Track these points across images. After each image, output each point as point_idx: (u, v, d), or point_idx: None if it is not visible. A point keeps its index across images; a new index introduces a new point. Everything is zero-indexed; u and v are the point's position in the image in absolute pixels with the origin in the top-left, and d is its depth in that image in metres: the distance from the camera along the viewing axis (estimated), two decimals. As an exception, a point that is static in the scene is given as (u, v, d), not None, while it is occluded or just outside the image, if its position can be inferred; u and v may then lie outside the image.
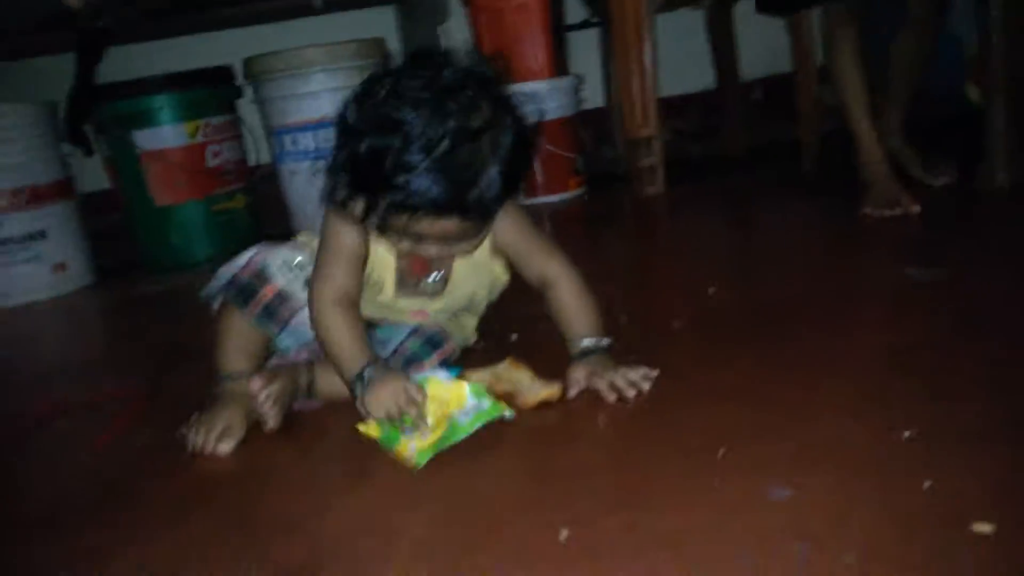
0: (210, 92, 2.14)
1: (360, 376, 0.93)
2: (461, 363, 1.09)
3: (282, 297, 1.06)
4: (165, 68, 2.10)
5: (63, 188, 2.12)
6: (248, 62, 2.14)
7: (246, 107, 2.27)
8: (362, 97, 0.90)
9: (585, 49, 2.60)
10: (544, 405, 0.96)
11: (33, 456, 1.08)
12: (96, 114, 2.08)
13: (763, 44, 2.84)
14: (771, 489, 0.71)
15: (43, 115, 2.05)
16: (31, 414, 1.20)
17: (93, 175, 2.34)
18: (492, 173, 0.88)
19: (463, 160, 0.86)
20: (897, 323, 1.11)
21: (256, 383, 0.99)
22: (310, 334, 1.07)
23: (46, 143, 2.07)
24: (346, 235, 0.99)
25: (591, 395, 0.96)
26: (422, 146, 0.84)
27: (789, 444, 0.79)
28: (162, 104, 2.06)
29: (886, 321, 1.13)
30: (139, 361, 1.45)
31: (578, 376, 0.98)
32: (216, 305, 1.10)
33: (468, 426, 0.90)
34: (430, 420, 0.90)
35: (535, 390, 0.97)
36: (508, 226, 1.04)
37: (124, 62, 2.20)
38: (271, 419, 0.99)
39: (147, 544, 0.79)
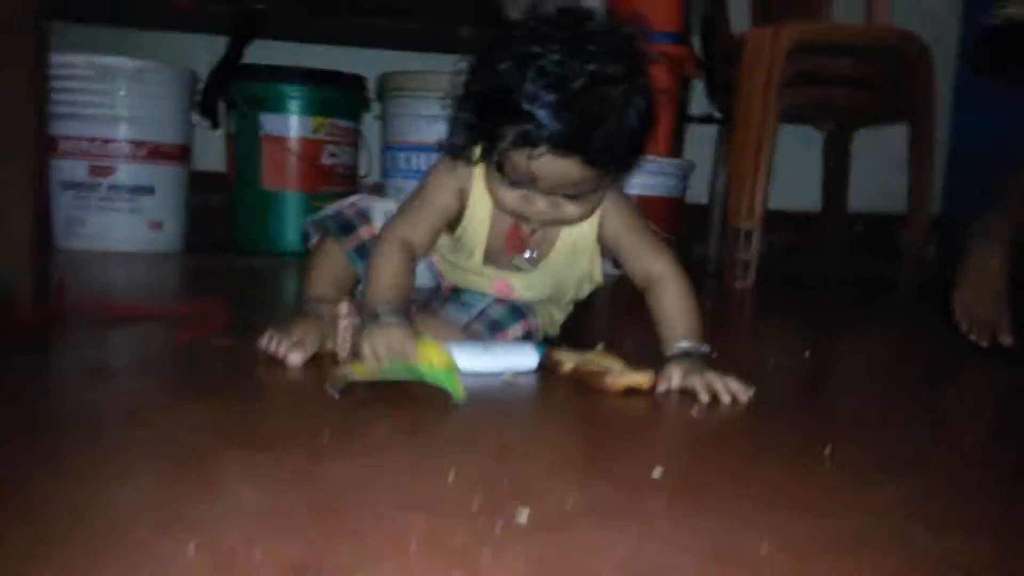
0: (342, 94, 2.22)
1: (378, 314, 0.89)
2: (546, 344, 1.06)
3: None
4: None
5: (180, 153, 2.20)
6: (385, 76, 2.23)
7: (369, 123, 2.35)
8: (502, 36, 0.91)
9: (699, 144, 2.64)
10: (632, 392, 0.92)
11: (112, 340, 1.08)
12: (232, 91, 2.17)
13: (875, 180, 2.85)
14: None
15: (182, 80, 2.16)
16: (109, 312, 1.20)
17: (206, 156, 2.42)
18: (621, 122, 0.87)
19: (595, 101, 0.85)
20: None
21: (344, 308, 0.98)
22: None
23: (178, 107, 2.16)
24: (443, 192, 1.00)
25: (684, 396, 0.92)
26: (556, 79, 0.84)
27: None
28: (295, 94, 2.15)
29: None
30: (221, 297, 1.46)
31: (673, 373, 0.95)
32: (314, 240, 1.11)
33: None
34: None
35: (626, 374, 0.94)
36: (618, 217, 1.03)
37: (268, 55, 2.31)
38: (345, 349, 0.97)
39: (208, 403, 0.78)
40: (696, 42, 2.50)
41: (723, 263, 2.29)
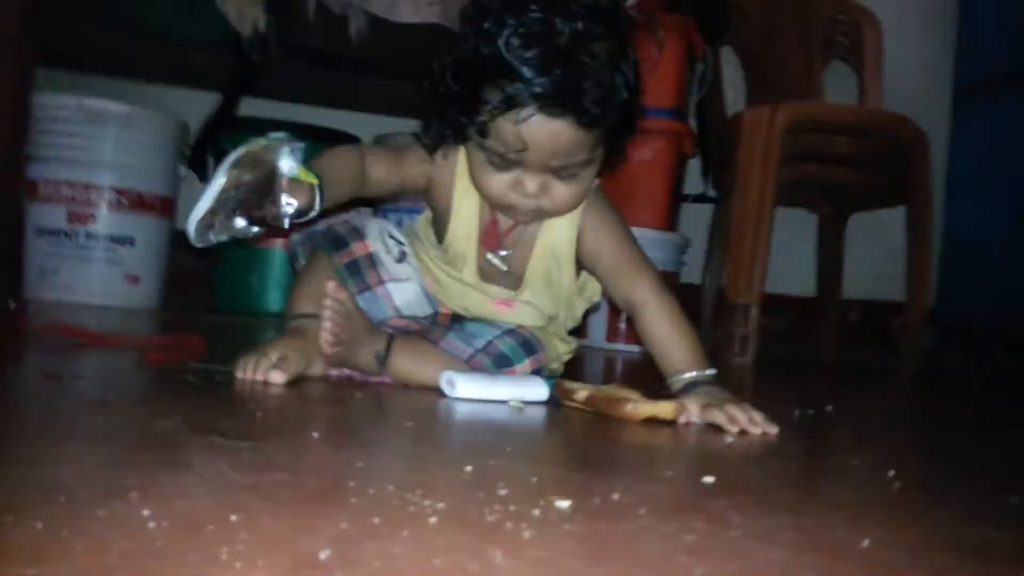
0: (335, 152, 2.17)
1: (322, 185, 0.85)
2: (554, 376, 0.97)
3: (372, 260, 0.98)
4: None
5: (165, 205, 2.11)
6: (379, 138, 2.19)
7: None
8: (477, 4, 0.84)
9: (693, 225, 2.61)
10: (653, 422, 0.82)
11: (76, 357, 0.97)
12: (224, 144, 2.12)
13: (870, 267, 2.82)
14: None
15: (172, 129, 2.09)
16: (76, 336, 1.09)
17: (188, 214, 2.35)
18: (611, 77, 0.81)
19: (583, 54, 0.79)
20: None
21: (332, 284, 0.88)
22: (389, 312, 0.97)
23: (166, 157, 2.09)
24: (411, 165, 0.95)
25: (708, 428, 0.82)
26: (541, 34, 0.78)
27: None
28: (289, 148, 2.09)
29: None
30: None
31: (691, 407, 0.84)
32: (302, 262, 1.02)
33: None
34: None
35: (649, 403, 0.84)
36: (600, 228, 0.95)
37: (261, 113, 2.27)
38: (326, 341, 0.87)
39: (178, 402, 0.67)
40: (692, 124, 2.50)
41: (720, 340, 2.21)
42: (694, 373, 0.88)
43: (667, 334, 0.91)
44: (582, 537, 0.38)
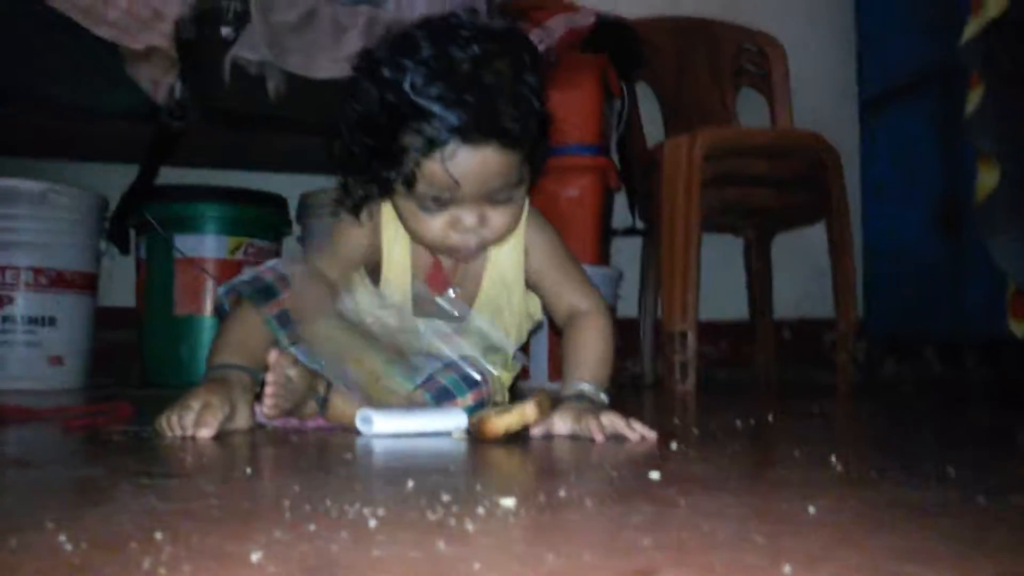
0: (260, 214, 2.14)
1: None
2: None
3: None
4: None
5: (86, 282, 2.05)
6: (306, 195, 2.18)
7: (290, 245, 2.26)
8: (367, 55, 0.83)
9: (624, 258, 2.64)
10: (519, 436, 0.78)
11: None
12: (145, 213, 2.07)
13: (799, 286, 2.89)
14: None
15: (91, 205, 2.04)
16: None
17: (114, 290, 2.29)
18: (521, 92, 0.80)
19: (488, 76, 0.78)
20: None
21: (274, 355, 0.84)
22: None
23: (86, 233, 2.03)
24: (353, 239, 0.93)
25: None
26: (441, 68, 0.77)
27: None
28: (212, 213, 2.05)
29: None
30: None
31: (559, 418, 0.82)
32: (227, 307, 0.99)
33: None
34: None
35: (505, 413, 0.79)
36: (542, 246, 0.95)
37: (185, 181, 2.24)
38: (269, 406, 0.83)
39: (102, 455, 0.64)
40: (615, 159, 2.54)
41: (661, 370, 2.23)
42: (591, 387, 0.88)
43: (594, 345, 0.91)
44: (529, 526, 0.37)
